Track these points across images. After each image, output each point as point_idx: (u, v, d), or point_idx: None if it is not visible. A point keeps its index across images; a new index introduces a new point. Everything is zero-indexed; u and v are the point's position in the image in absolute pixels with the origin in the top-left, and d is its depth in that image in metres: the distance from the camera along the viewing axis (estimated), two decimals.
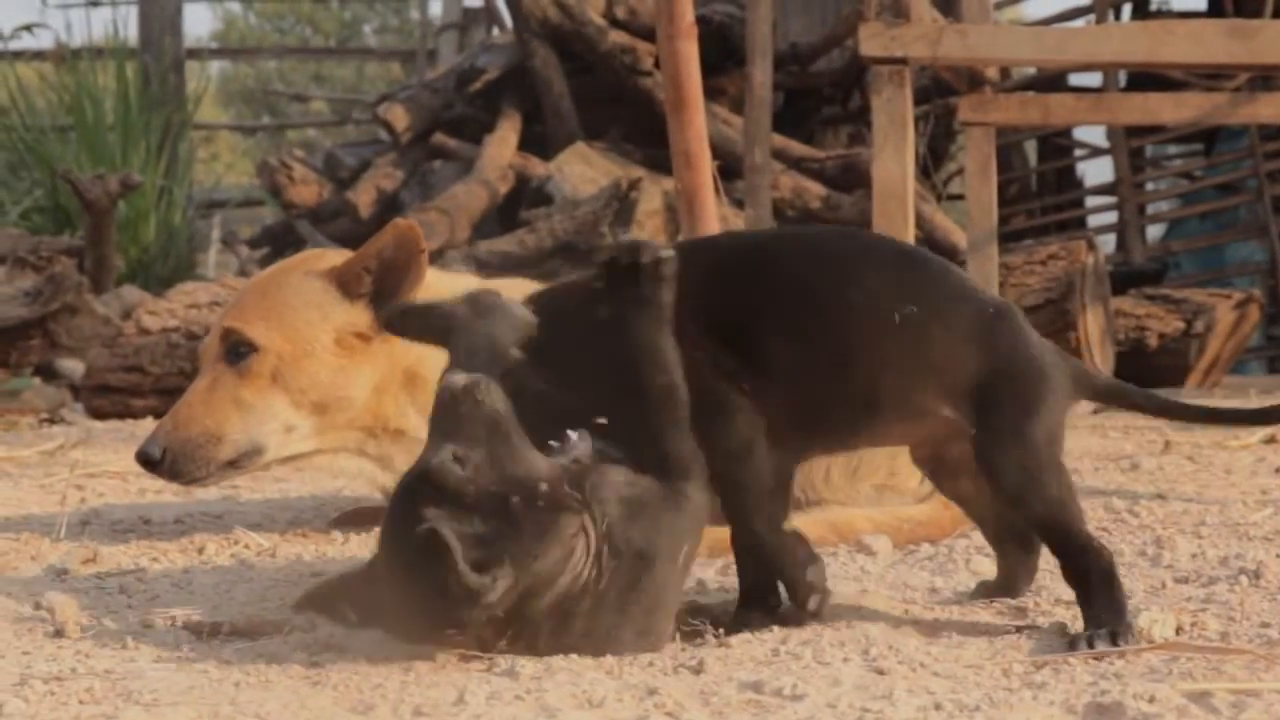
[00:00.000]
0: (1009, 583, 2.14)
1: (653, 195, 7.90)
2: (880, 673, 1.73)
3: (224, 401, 2.51)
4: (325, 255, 2.67)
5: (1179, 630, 1.91)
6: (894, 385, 1.91)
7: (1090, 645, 1.80)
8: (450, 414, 1.73)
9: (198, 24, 47.07)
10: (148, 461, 2.49)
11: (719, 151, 5.48)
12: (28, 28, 11.74)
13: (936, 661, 1.77)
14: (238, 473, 2.57)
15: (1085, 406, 5.58)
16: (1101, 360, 6.18)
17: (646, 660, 1.76)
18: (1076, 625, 1.93)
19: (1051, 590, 2.15)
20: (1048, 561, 2.39)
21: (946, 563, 2.40)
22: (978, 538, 2.62)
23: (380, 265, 2.53)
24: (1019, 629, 1.94)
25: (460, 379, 1.74)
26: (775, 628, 1.92)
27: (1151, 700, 1.54)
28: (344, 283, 2.55)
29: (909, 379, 1.91)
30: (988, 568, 2.34)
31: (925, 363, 1.90)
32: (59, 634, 1.92)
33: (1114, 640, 1.81)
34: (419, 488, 1.69)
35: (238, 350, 2.53)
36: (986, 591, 2.14)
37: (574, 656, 1.74)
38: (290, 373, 2.51)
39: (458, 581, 1.61)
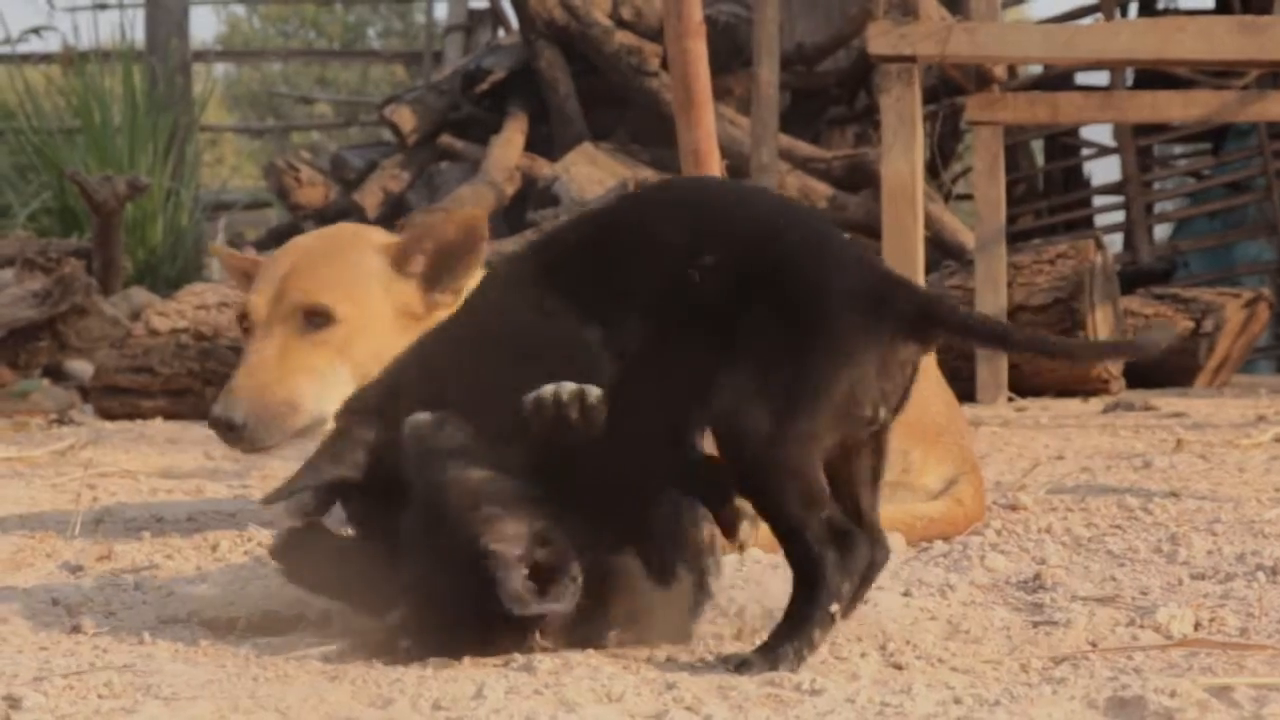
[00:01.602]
0: None
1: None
2: (898, 668, 1.73)
3: (299, 370, 2.47)
4: (363, 230, 2.67)
5: (1197, 626, 1.91)
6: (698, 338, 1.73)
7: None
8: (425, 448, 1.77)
9: (202, 27, 47.09)
10: (230, 426, 2.42)
11: (725, 151, 5.48)
12: (35, 31, 11.79)
13: (954, 657, 1.77)
14: (300, 442, 2.52)
15: (1094, 406, 5.58)
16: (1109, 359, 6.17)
17: (664, 655, 1.76)
18: (1095, 621, 1.93)
19: (1068, 587, 2.15)
20: (1065, 559, 2.39)
21: (961, 559, 2.40)
22: (991, 535, 2.62)
23: (437, 249, 2.53)
24: (1036, 625, 1.94)
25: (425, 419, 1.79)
26: None
27: (1173, 695, 1.54)
28: (398, 260, 2.55)
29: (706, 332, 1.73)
30: (1003, 564, 2.34)
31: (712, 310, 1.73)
32: (76, 629, 1.92)
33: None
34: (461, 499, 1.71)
35: (313, 318, 2.51)
36: None
37: (591, 651, 1.74)
38: (358, 344, 2.49)
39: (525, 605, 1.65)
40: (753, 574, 2.18)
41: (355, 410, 1.90)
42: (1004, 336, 1.83)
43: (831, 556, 1.68)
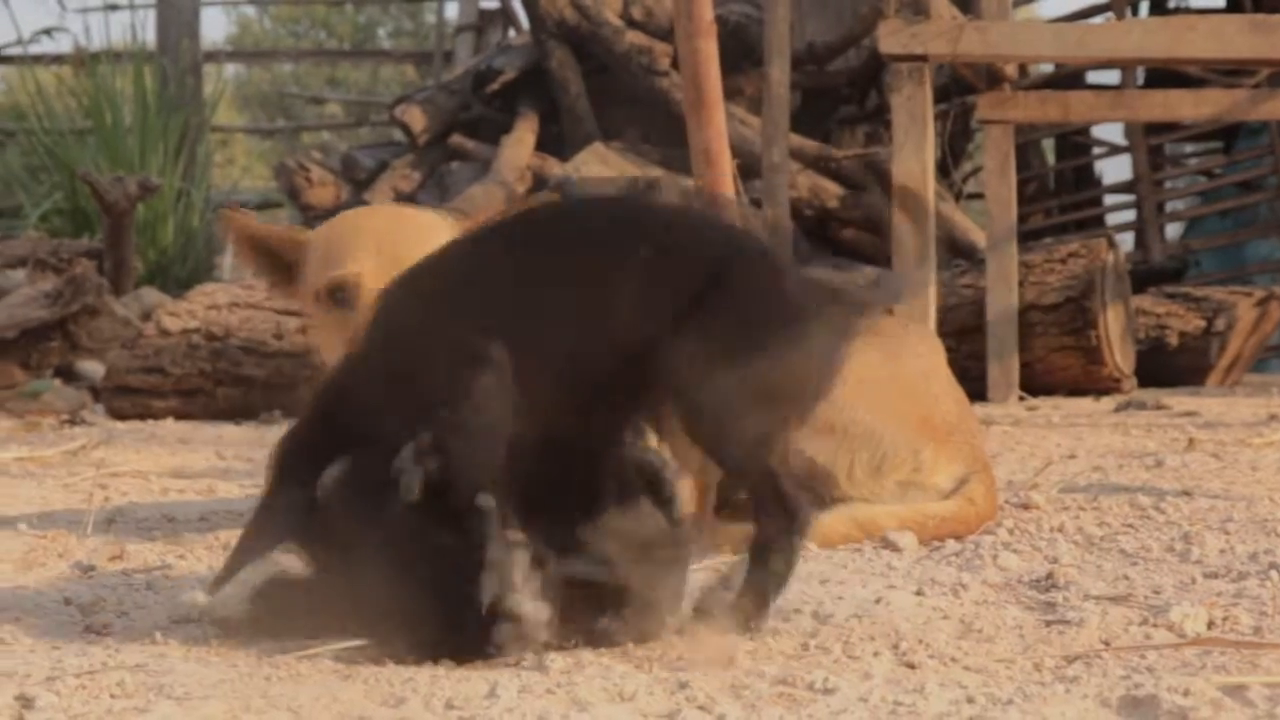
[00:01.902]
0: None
1: (670, 195, 7.90)
2: (911, 667, 1.72)
3: None
4: (422, 210, 2.66)
5: (1210, 625, 1.90)
6: (621, 342, 1.74)
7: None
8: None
9: (213, 28, 47.09)
10: None
11: (736, 151, 5.48)
12: (47, 31, 11.80)
13: (967, 656, 1.77)
14: None
15: (1106, 405, 5.57)
16: (1122, 358, 6.16)
17: (676, 654, 1.76)
18: (1108, 620, 1.92)
19: (1081, 586, 2.15)
20: (1078, 558, 2.39)
21: (973, 558, 2.39)
22: (1004, 534, 2.62)
23: None
24: (1049, 624, 1.93)
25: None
26: (808, 623, 1.92)
27: (1186, 694, 1.54)
28: None
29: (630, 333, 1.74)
30: (1015, 563, 2.34)
31: (642, 314, 1.74)
32: (88, 629, 1.92)
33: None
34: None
35: None
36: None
37: (603, 650, 1.74)
38: None
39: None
40: None
41: (286, 461, 1.86)
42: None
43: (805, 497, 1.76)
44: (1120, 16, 9.43)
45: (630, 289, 1.75)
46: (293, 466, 1.84)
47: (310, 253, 2.52)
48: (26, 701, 1.54)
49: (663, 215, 1.84)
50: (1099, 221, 10.42)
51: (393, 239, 2.47)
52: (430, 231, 2.51)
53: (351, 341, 1.90)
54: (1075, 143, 10.71)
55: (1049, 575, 2.20)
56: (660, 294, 1.74)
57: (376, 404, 1.79)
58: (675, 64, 8.01)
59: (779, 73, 7.68)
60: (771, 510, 1.79)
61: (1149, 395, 5.79)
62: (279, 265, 2.56)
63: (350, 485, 1.76)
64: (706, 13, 3.83)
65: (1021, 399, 5.84)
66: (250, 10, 25.63)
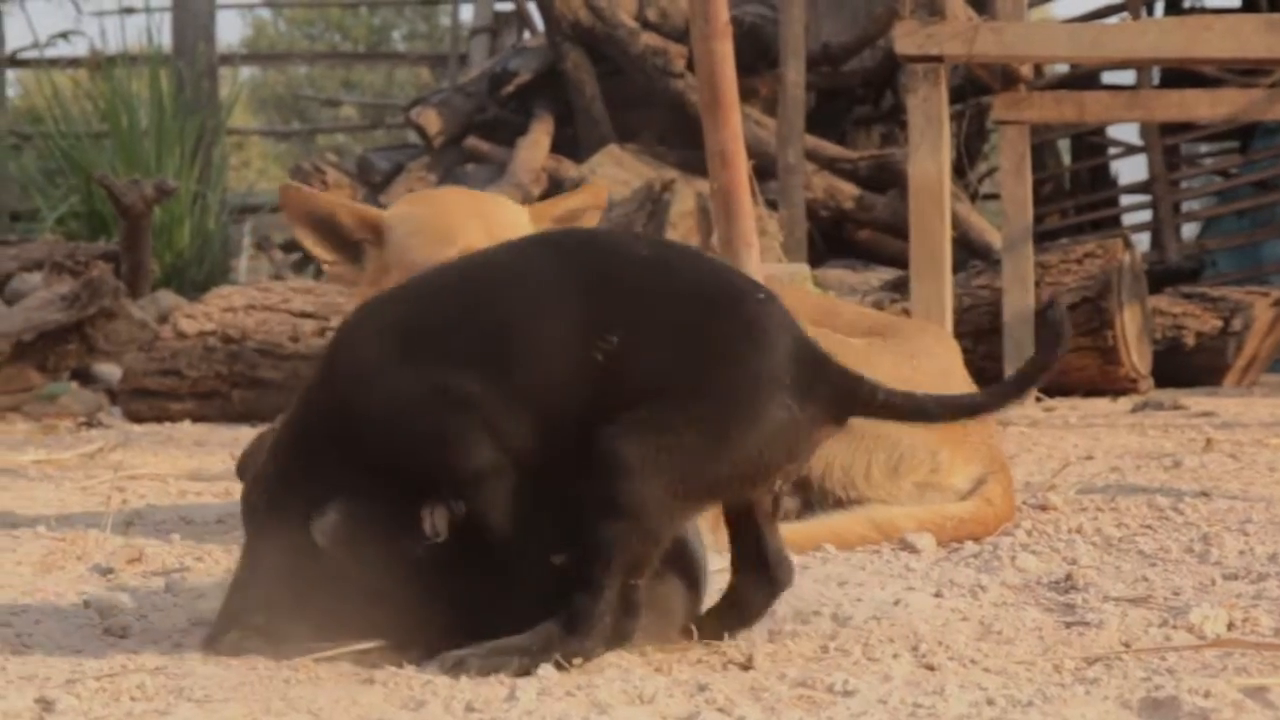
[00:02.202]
0: (739, 610, 1.84)
1: (686, 197, 7.91)
2: (930, 669, 1.72)
3: None
4: (487, 193, 2.68)
5: (1231, 626, 1.90)
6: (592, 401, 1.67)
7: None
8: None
9: (228, 31, 47.21)
10: None
11: (752, 152, 5.48)
12: (63, 35, 11.85)
13: (987, 658, 1.76)
14: None
15: (1123, 405, 5.56)
16: (1139, 358, 6.14)
17: (695, 657, 1.76)
18: (1128, 621, 1.92)
19: (1100, 587, 2.14)
20: (1096, 559, 2.38)
21: (991, 560, 2.39)
22: (1022, 535, 2.61)
23: (562, 216, 2.57)
24: (1068, 625, 1.93)
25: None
26: (827, 625, 1.92)
27: (1207, 695, 1.53)
28: (535, 222, 2.55)
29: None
30: (1034, 565, 2.33)
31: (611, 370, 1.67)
32: (108, 631, 1.92)
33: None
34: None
35: None
36: (717, 620, 1.84)
37: (623, 653, 1.74)
38: None
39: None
40: None
41: (263, 506, 1.84)
42: (924, 411, 1.80)
43: (607, 621, 1.67)
44: (1136, 16, 9.41)
45: (599, 334, 1.67)
46: (271, 512, 1.81)
47: (395, 232, 2.43)
48: (47, 704, 1.54)
49: (655, 260, 1.75)
50: (1115, 222, 10.41)
51: (492, 217, 2.44)
52: (513, 212, 2.52)
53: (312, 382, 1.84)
54: (1091, 143, 10.69)
55: (1068, 577, 2.20)
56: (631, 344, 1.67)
57: (359, 447, 1.74)
58: (690, 65, 8.02)
59: (794, 74, 7.69)
60: (753, 569, 1.78)
61: (1166, 395, 5.77)
62: (343, 243, 2.46)
63: (358, 528, 1.74)
64: (722, 14, 3.83)
65: (1038, 400, 5.82)
66: (265, 13, 25.71)
